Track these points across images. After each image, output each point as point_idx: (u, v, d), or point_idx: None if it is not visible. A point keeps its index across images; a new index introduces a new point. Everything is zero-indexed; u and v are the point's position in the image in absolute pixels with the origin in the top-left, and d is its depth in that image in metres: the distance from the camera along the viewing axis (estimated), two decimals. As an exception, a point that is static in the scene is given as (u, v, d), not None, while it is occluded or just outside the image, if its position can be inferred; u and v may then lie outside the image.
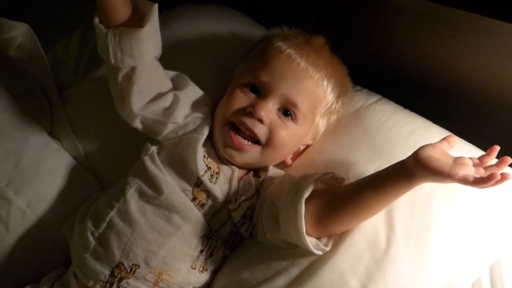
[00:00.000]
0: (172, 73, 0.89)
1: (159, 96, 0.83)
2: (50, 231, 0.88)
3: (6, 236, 0.85)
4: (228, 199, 0.81)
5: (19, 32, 0.97)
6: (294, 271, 0.75)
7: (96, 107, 0.98)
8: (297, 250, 0.76)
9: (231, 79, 0.89)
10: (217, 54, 1.01)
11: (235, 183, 0.83)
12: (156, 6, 0.77)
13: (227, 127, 0.82)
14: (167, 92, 0.84)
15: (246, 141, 0.82)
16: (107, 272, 0.77)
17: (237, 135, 0.82)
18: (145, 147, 0.86)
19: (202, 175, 0.80)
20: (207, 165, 0.81)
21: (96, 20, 0.78)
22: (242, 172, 0.86)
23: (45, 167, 0.89)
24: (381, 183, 0.71)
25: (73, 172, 0.92)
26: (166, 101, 0.83)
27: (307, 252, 0.75)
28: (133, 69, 0.78)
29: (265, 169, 0.87)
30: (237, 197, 0.81)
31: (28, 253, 0.87)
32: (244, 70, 0.87)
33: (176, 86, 0.87)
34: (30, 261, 0.88)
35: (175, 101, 0.84)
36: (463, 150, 0.83)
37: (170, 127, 0.84)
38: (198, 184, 0.80)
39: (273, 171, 0.86)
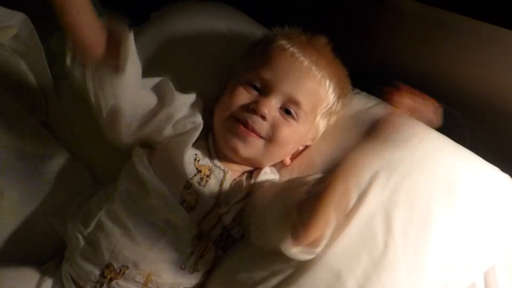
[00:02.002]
0: (154, 82, 0.85)
1: (150, 117, 0.81)
2: (42, 225, 0.86)
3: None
4: (218, 202, 0.80)
5: (16, 21, 0.95)
6: (290, 272, 0.75)
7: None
8: None
9: (230, 77, 0.88)
10: (216, 52, 1.01)
11: (226, 186, 0.82)
12: (131, 38, 0.72)
13: (231, 120, 0.81)
14: (157, 113, 0.81)
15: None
16: (97, 272, 0.76)
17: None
18: (135, 150, 0.84)
19: (191, 178, 0.79)
20: (197, 168, 0.81)
21: (68, 61, 0.74)
22: (235, 174, 0.85)
23: (39, 160, 0.87)
24: None
25: (67, 165, 0.90)
26: (160, 123, 0.81)
27: None
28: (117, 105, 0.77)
29: (258, 171, 0.86)
30: (228, 200, 0.81)
31: (19, 247, 0.86)
32: (246, 68, 0.86)
33: (164, 100, 0.82)
34: (21, 255, 0.86)
35: (168, 121, 0.82)
36: (461, 155, 0.84)
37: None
38: (187, 186, 0.80)
39: (264, 175, 0.85)
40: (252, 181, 0.84)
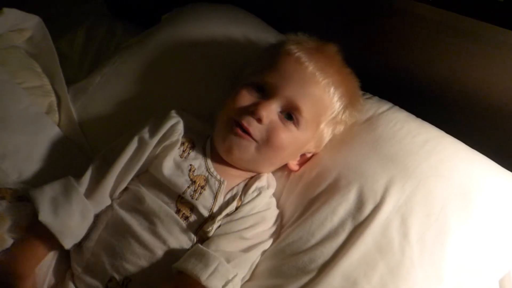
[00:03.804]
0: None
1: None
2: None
3: None
4: (212, 214, 0.79)
5: (30, 24, 0.95)
6: (304, 279, 0.75)
7: (106, 103, 0.96)
8: (306, 258, 0.76)
9: (240, 80, 0.88)
10: (226, 55, 1.00)
11: (220, 197, 0.81)
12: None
13: (231, 124, 0.81)
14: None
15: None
16: (101, 287, 0.75)
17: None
18: None
19: (183, 192, 0.78)
20: (192, 179, 0.80)
21: None
22: (233, 182, 0.84)
23: (55, 162, 0.87)
24: None
25: (82, 167, 0.87)
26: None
27: (316, 259, 0.75)
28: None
29: (254, 180, 0.84)
30: (219, 213, 0.78)
31: None
32: (252, 71, 0.86)
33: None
34: None
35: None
36: (477, 161, 0.84)
37: None
38: (181, 197, 0.79)
39: (254, 193, 0.83)
40: (243, 196, 0.82)
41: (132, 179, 0.82)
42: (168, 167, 0.80)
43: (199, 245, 0.75)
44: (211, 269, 0.71)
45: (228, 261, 0.73)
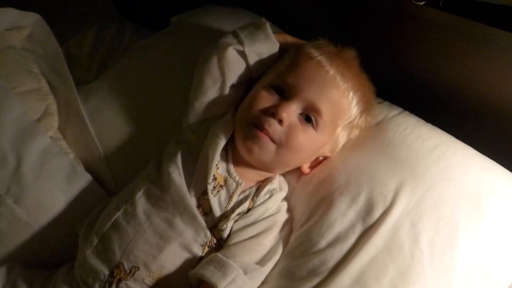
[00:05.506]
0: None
1: None
2: (53, 241, 0.85)
3: (9, 244, 0.83)
4: (225, 213, 0.80)
5: (28, 22, 0.91)
6: (314, 281, 0.75)
7: (118, 104, 0.96)
8: (317, 260, 0.76)
9: (255, 82, 0.88)
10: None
11: (235, 198, 0.81)
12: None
13: (250, 125, 0.81)
14: None
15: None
16: (106, 272, 0.76)
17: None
18: (170, 145, 0.88)
19: (209, 183, 0.79)
20: (214, 176, 0.81)
21: None
22: (248, 184, 0.84)
23: (44, 174, 0.85)
24: None
25: (74, 178, 0.88)
26: None
27: (326, 262, 0.75)
28: None
29: (266, 182, 0.85)
30: (231, 213, 0.79)
31: (30, 261, 0.86)
32: (271, 73, 0.86)
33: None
34: (31, 264, 0.86)
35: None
36: (487, 167, 0.83)
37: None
38: (204, 192, 0.80)
39: (266, 195, 0.83)
40: (256, 201, 0.83)
41: (175, 161, 0.81)
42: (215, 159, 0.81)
43: (218, 254, 0.75)
44: (229, 279, 0.72)
45: (245, 272, 0.74)
